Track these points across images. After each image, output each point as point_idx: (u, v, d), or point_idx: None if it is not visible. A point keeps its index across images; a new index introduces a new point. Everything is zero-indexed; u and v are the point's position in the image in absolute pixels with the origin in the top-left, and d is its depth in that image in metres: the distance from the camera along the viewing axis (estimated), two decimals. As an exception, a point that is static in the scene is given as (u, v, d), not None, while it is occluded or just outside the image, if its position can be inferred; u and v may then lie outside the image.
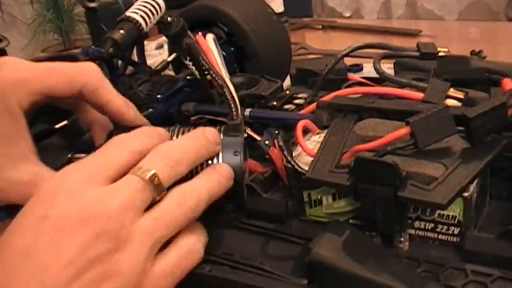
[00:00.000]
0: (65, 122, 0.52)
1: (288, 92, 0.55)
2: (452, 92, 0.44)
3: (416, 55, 0.51)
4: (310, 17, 2.96)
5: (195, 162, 0.37)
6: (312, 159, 0.41)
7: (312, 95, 0.54)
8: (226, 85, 0.42)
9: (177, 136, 0.40)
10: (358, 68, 0.79)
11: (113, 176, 0.34)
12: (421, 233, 0.39)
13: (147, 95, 0.54)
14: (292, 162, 0.41)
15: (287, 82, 0.69)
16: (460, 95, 0.43)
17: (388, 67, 0.76)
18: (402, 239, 0.38)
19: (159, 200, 0.35)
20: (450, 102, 0.43)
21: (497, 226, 0.39)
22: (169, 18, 0.54)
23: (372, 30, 1.08)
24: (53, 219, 0.32)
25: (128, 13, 0.53)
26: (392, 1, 3.02)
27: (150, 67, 0.58)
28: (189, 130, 0.40)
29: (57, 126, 0.51)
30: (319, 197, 0.42)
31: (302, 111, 0.49)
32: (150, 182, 0.34)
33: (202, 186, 0.36)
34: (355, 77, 0.51)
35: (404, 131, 0.38)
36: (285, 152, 0.41)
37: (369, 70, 0.79)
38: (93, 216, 0.31)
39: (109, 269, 0.31)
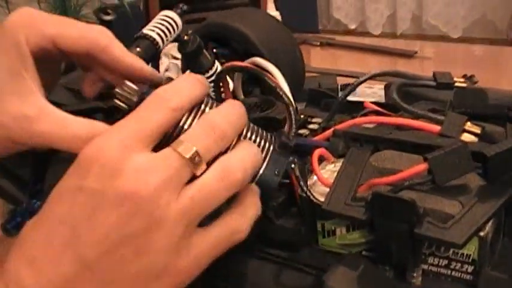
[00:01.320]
0: None
1: (302, 116, 0.55)
2: (469, 126, 0.44)
3: (433, 84, 0.51)
4: (317, 33, 2.97)
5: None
6: (327, 189, 0.41)
7: (326, 120, 0.54)
8: (292, 104, 0.43)
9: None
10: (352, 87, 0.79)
11: (153, 139, 0.33)
12: (434, 268, 0.39)
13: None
14: (308, 192, 0.41)
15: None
16: (477, 130, 0.44)
17: (379, 88, 0.76)
18: (415, 274, 0.38)
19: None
20: (467, 136, 0.43)
21: (511, 265, 0.39)
22: (186, 37, 0.55)
23: (369, 49, 1.09)
24: (88, 194, 0.31)
25: (145, 30, 0.53)
26: (397, 16, 3.04)
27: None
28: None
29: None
30: (332, 228, 0.42)
31: (317, 137, 0.49)
32: (191, 160, 0.32)
33: (246, 159, 0.35)
34: (371, 105, 0.51)
35: (422, 166, 0.38)
36: (301, 183, 0.41)
37: (362, 89, 0.79)
38: (128, 196, 0.31)
39: (141, 247, 0.31)
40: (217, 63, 0.58)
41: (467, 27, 2.91)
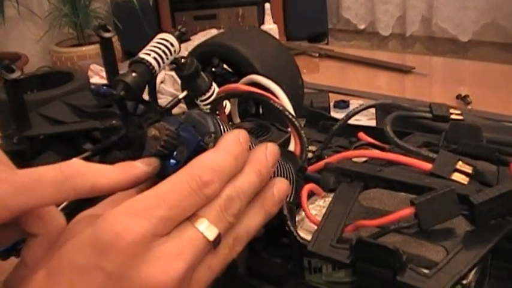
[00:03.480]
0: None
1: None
2: (460, 165, 0.44)
3: (429, 116, 0.51)
4: (325, 34, 2.96)
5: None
6: (315, 226, 0.41)
7: (321, 149, 0.54)
8: (301, 127, 0.45)
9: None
10: (344, 104, 0.80)
11: (179, 221, 0.33)
12: (418, 310, 0.39)
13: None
14: (295, 233, 0.41)
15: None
16: (468, 170, 0.43)
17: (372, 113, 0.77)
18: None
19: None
20: (457, 176, 0.43)
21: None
22: (183, 60, 0.55)
23: (367, 63, 1.09)
24: (109, 277, 0.31)
25: (142, 55, 0.53)
26: (407, 17, 3.02)
27: (160, 106, 0.59)
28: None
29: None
30: (319, 265, 0.42)
31: (310, 168, 0.49)
32: (213, 242, 0.33)
33: (254, 225, 0.37)
34: (365, 137, 0.51)
35: (408, 211, 0.38)
36: (289, 222, 0.41)
37: (355, 106, 0.80)
38: (153, 286, 0.31)
39: None
40: (214, 85, 0.58)
41: (477, 31, 2.88)
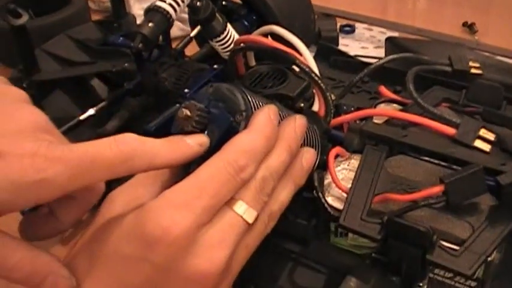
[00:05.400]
0: (91, 112, 0.51)
1: (314, 91, 0.55)
2: (484, 132, 0.44)
3: (449, 70, 0.51)
4: None
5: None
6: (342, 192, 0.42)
7: (339, 97, 0.54)
8: (327, 89, 0.45)
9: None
10: (350, 29, 0.78)
11: (219, 207, 0.34)
12: (439, 278, 0.42)
13: (174, 84, 0.53)
14: (326, 204, 0.42)
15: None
16: (491, 137, 0.44)
17: (378, 31, 0.74)
18: (421, 284, 0.41)
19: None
20: (480, 143, 0.44)
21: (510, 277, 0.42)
22: (198, 3, 0.53)
23: None
24: (156, 268, 0.32)
25: (158, 2, 0.51)
26: None
27: (174, 49, 0.57)
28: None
29: (82, 117, 0.51)
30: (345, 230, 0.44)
31: (333, 122, 0.49)
32: (252, 223, 0.35)
33: (285, 198, 0.39)
34: (386, 92, 0.51)
35: (438, 189, 0.39)
36: (319, 192, 0.42)
37: (361, 32, 0.78)
38: (200, 275, 0.32)
39: None
40: (229, 26, 0.57)
41: None
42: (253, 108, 0.38)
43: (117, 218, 0.34)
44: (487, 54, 0.68)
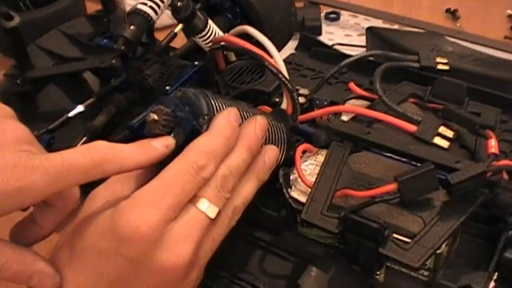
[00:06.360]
0: (80, 109, 0.55)
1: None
2: (443, 130, 0.47)
3: (417, 66, 0.53)
4: None
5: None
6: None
7: (313, 91, 0.56)
8: (294, 90, 0.48)
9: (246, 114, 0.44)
10: (335, 16, 0.80)
11: (184, 205, 0.38)
12: (396, 267, 0.45)
13: (157, 81, 0.57)
14: (290, 200, 0.45)
15: (291, 44, 0.71)
16: (450, 134, 0.47)
17: (362, 18, 0.75)
18: (379, 272, 0.44)
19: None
20: (439, 140, 0.47)
21: (465, 265, 0.45)
22: (179, 3, 0.55)
23: None
24: (129, 261, 0.35)
25: (139, 5, 0.53)
26: None
27: (158, 46, 0.60)
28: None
29: (71, 114, 0.54)
30: (311, 222, 0.47)
31: (301, 118, 0.52)
32: (215, 218, 0.38)
33: (248, 193, 0.42)
34: (356, 88, 0.53)
35: (392, 186, 0.42)
36: (285, 190, 0.45)
37: (346, 18, 0.80)
38: (169, 268, 0.36)
39: None
40: (210, 22, 0.59)
41: None
42: (215, 112, 0.41)
43: (95, 215, 0.38)
44: (465, 44, 0.69)
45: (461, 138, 0.47)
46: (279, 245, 0.49)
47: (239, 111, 0.42)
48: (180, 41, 0.66)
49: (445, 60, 0.54)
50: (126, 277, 0.36)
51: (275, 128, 0.46)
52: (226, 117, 0.40)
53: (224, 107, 0.42)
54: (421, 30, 0.72)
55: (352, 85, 0.54)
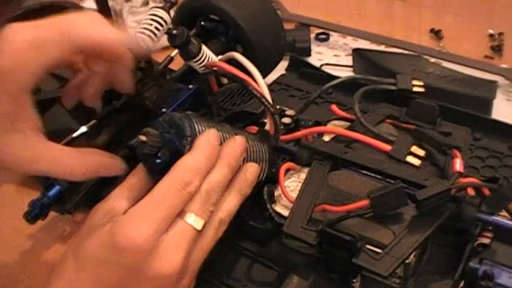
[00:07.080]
0: (83, 130, 0.59)
1: (278, 107, 0.62)
2: (415, 149, 0.51)
3: (394, 88, 0.58)
4: None
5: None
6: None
7: (299, 112, 0.61)
8: (276, 113, 0.53)
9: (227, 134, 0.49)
10: (325, 36, 0.85)
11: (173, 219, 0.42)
12: (371, 275, 0.49)
13: (155, 103, 0.61)
14: (274, 214, 0.50)
15: (282, 65, 0.75)
16: (421, 153, 0.51)
17: (351, 39, 0.80)
18: (355, 280, 0.49)
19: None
20: (411, 159, 0.51)
21: (434, 273, 0.49)
22: (174, 31, 0.60)
23: None
24: (126, 270, 0.40)
25: (137, 34, 0.58)
26: None
27: (155, 69, 0.64)
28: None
29: (74, 134, 0.59)
30: (294, 234, 0.51)
31: (287, 137, 0.56)
32: (201, 229, 0.43)
33: (233, 206, 0.46)
34: (337, 110, 0.58)
35: (365, 202, 0.46)
36: (268, 205, 0.50)
37: (335, 39, 0.85)
38: (163, 276, 0.41)
39: None
40: (203, 47, 0.63)
41: None
42: (197, 133, 0.46)
43: (96, 228, 0.43)
44: (446, 64, 0.74)
45: (432, 156, 0.52)
46: (265, 255, 0.53)
47: (220, 132, 0.47)
48: (177, 62, 0.71)
49: (421, 83, 0.58)
50: (125, 284, 0.41)
51: (257, 148, 0.51)
52: (207, 138, 0.45)
53: (206, 129, 0.47)
54: (404, 51, 0.77)
55: (334, 107, 0.59)
